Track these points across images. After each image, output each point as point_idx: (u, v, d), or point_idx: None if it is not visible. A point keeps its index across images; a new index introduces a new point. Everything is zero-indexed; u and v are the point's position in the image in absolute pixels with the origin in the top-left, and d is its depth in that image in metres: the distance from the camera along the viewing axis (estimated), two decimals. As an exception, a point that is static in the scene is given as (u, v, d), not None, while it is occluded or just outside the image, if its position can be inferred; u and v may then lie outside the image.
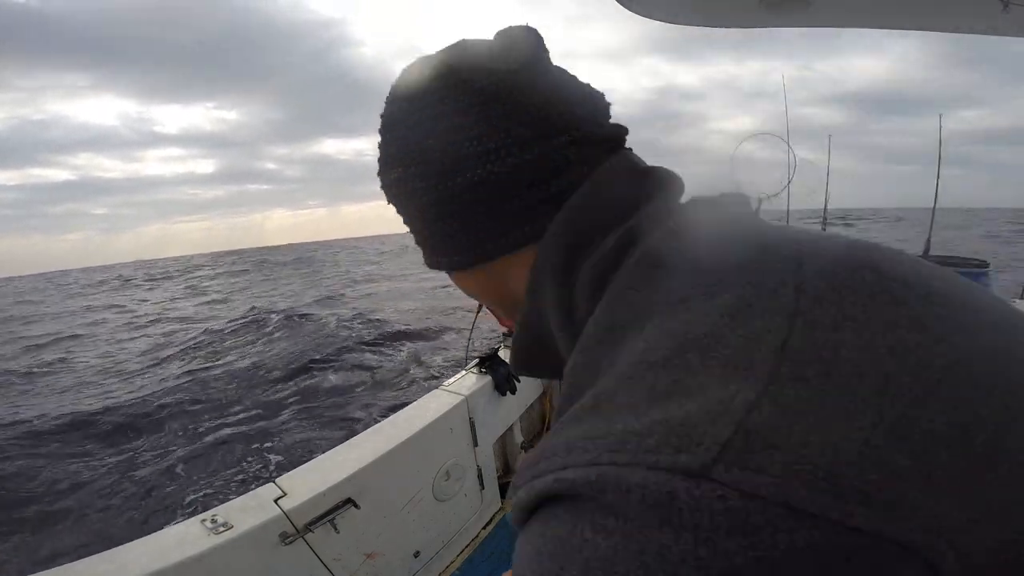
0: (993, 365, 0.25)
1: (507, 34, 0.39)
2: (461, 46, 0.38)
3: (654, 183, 0.37)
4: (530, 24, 0.40)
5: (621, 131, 0.40)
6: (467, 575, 1.77)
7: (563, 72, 0.40)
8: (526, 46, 0.38)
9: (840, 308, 0.25)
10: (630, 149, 0.40)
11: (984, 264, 3.99)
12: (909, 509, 0.21)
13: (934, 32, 2.43)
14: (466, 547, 1.86)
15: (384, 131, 0.39)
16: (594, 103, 0.40)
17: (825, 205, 3.33)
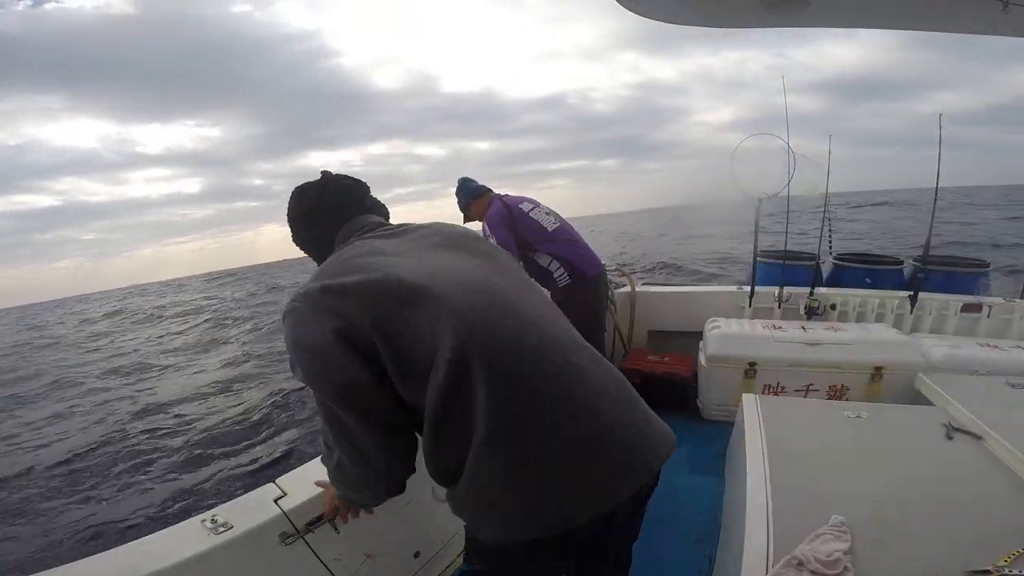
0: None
1: (308, 189, 1.07)
2: (298, 196, 1.08)
3: (360, 228, 1.02)
4: (333, 171, 1.10)
5: (364, 204, 1.08)
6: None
7: (340, 187, 1.07)
8: (314, 196, 1.06)
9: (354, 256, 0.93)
10: (377, 204, 1.11)
11: (984, 264, 3.99)
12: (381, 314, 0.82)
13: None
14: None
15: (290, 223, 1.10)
16: (350, 194, 1.07)
17: (826, 203, 3.32)
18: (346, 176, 1.09)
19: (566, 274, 2.46)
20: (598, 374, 0.89)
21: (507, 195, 2.56)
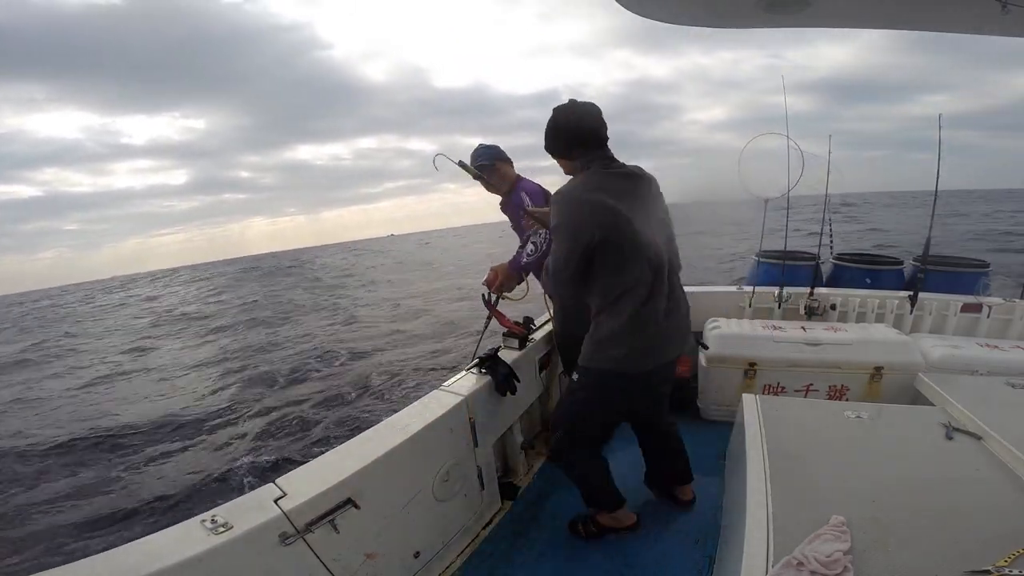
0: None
1: (578, 106, 1.60)
2: (563, 108, 1.61)
3: (598, 158, 1.58)
4: (579, 97, 1.70)
5: (603, 138, 1.60)
6: (467, 575, 1.77)
7: (591, 116, 1.58)
8: (583, 114, 1.59)
9: None
10: (606, 141, 1.62)
11: (984, 264, 4.00)
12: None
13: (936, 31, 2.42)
14: (466, 547, 1.86)
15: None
16: (597, 128, 1.59)
17: (826, 203, 3.32)
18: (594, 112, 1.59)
19: None
20: (681, 297, 1.70)
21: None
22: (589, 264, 1.53)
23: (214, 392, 7.57)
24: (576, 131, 1.57)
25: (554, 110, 1.60)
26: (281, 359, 8.68)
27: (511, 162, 2.40)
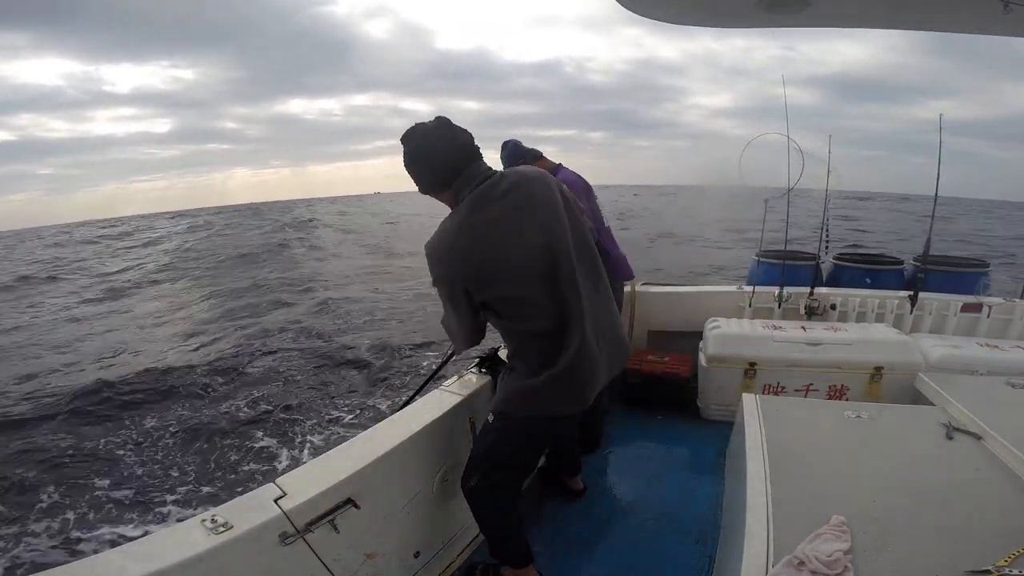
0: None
1: (427, 129, 1.34)
2: (412, 137, 1.34)
3: (479, 175, 1.35)
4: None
5: (476, 154, 1.37)
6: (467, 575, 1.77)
7: (445, 135, 1.34)
8: (433, 135, 1.34)
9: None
10: (477, 153, 1.38)
11: (984, 264, 3.99)
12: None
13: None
14: (466, 547, 1.86)
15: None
16: (461, 144, 1.35)
17: (826, 203, 3.33)
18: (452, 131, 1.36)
19: None
20: (605, 308, 1.48)
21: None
22: (488, 311, 1.39)
23: (209, 390, 7.56)
24: (444, 153, 1.32)
25: (404, 141, 1.34)
26: (274, 348, 8.68)
27: (539, 157, 2.34)
